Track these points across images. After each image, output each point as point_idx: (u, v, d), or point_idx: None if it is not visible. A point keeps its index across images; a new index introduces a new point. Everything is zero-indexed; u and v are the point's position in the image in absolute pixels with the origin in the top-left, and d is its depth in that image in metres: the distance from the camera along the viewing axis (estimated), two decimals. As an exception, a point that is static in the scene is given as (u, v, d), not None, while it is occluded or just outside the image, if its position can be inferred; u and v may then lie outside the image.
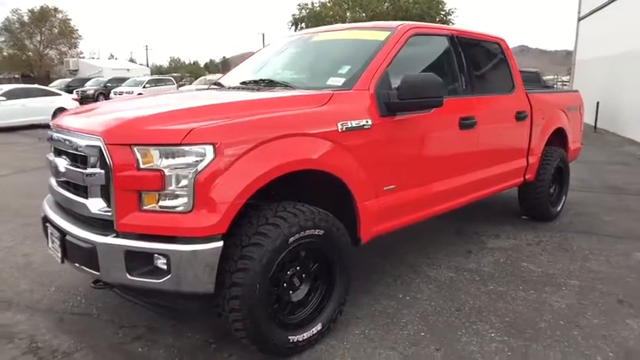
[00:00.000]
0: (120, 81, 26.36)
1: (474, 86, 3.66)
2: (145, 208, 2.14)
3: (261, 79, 3.15)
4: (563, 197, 5.14)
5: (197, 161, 2.09)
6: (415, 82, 2.76)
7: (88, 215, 2.29)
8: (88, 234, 2.22)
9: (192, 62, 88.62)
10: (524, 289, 3.31)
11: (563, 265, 3.74)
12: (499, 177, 4.04)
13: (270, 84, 3.06)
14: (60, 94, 15.02)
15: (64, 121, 2.69)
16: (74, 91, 20.90)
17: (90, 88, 25.60)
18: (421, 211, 3.26)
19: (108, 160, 2.14)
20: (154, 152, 2.10)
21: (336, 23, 29.76)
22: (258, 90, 2.95)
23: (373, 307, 3.03)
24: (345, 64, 3.01)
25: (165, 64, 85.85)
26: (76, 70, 43.06)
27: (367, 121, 2.72)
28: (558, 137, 4.92)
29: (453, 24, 29.31)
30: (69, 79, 30.28)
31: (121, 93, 24.27)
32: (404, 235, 3.89)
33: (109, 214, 2.19)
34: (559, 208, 5.05)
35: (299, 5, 30.42)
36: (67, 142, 2.47)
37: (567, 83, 18.73)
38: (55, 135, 2.68)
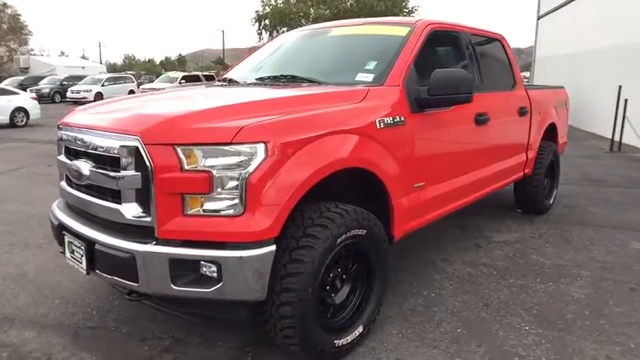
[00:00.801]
0: (76, 79, 25.18)
1: (483, 82, 3.70)
2: (189, 212, 2.00)
3: (282, 75, 3.04)
4: (555, 190, 5.31)
5: (248, 161, 1.97)
6: (445, 78, 2.73)
7: (120, 222, 2.12)
8: (125, 242, 2.05)
9: (147, 60, 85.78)
10: (542, 282, 3.37)
11: (570, 257, 3.84)
12: (505, 171, 4.11)
13: (293, 80, 2.95)
14: (18, 93, 14.11)
15: (80, 119, 2.49)
16: (28, 90, 19.70)
17: (45, 86, 24.29)
18: (444, 208, 3.26)
19: (148, 161, 1.98)
20: (200, 152, 1.97)
21: (301, 20, 29.64)
22: (286, 86, 2.83)
23: (402, 306, 2.99)
24: (371, 60, 2.95)
25: (120, 61, 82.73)
26: (27, 68, 40.74)
27: (401, 118, 2.68)
28: (550, 132, 5.07)
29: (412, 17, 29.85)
30: (21, 77, 28.59)
31: (78, 92, 23.23)
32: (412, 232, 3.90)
33: (148, 219, 2.04)
34: (551, 201, 5.21)
35: (262, 2, 30.08)
36: (88, 143, 2.28)
37: (527, 79, 19.53)
38: (69, 135, 2.48)
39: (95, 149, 2.22)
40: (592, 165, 8.09)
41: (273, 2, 29.83)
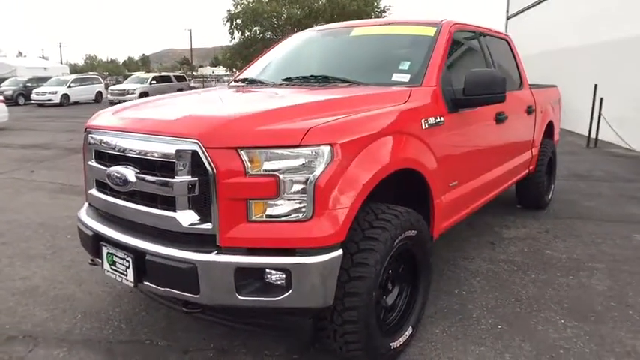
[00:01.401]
0: (40, 80, 24.13)
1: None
2: (253, 218, 1.93)
3: (312, 76, 2.99)
4: (552, 186, 5.47)
5: (315, 164, 1.92)
6: (480, 78, 2.76)
7: (175, 230, 2.03)
8: (183, 252, 1.96)
9: (110, 60, 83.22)
10: (563, 275, 3.47)
11: (582, 251, 3.97)
12: (516, 169, 4.21)
13: (326, 80, 2.91)
14: (-19, 96, 13.38)
15: (117, 122, 2.36)
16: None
17: (8, 88, 23.15)
18: (471, 206, 3.30)
19: (209, 166, 1.90)
20: (266, 156, 1.90)
21: (273, 19, 29.43)
22: (324, 87, 2.78)
23: (438, 305, 3.01)
24: (403, 60, 2.94)
25: (81, 62, 79.84)
26: (-16, 70, 38.67)
27: (441, 118, 2.69)
28: (548, 130, 5.22)
29: (386, 21, 30.15)
30: (-20, 79, 27.17)
31: (44, 93, 22.27)
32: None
33: (208, 227, 1.96)
34: (550, 197, 5.36)
35: (234, 1, 29.68)
36: (131, 148, 2.17)
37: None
38: (102, 139, 2.35)
39: (142, 154, 2.11)
40: (574, 161, 8.40)
41: (244, 1, 29.46)
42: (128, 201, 2.21)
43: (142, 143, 2.11)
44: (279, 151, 1.90)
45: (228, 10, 29.82)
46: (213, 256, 1.92)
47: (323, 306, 2.00)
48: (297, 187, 1.91)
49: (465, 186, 3.11)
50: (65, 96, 23.13)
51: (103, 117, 2.52)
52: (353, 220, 2.03)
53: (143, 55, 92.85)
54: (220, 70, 72.33)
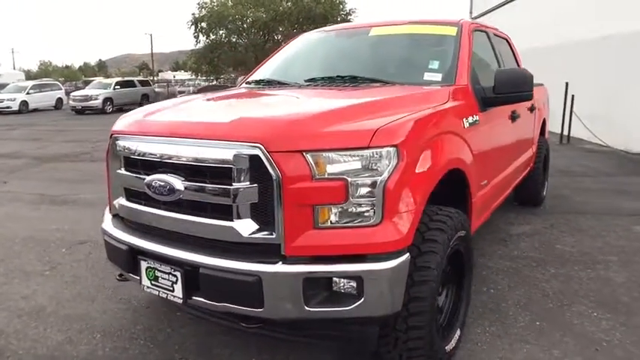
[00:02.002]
0: (-3, 87, 22.82)
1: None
2: (320, 225, 1.84)
3: (339, 76, 2.91)
4: (546, 183, 5.61)
5: (383, 166, 1.85)
6: (509, 76, 2.77)
7: (233, 241, 1.90)
8: (245, 264, 1.84)
9: (65, 66, 79.94)
10: (581, 269, 3.53)
11: (590, 244, 4.07)
12: (522, 166, 4.28)
13: (354, 80, 2.83)
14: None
15: (153, 126, 2.21)
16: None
17: (-38, 95, 21.77)
18: (494, 204, 3.31)
19: (273, 171, 1.79)
20: (333, 158, 1.82)
21: (238, 22, 29.07)
22: (357, 87, 2.70)
23: (471, 304, 2.98)
24: (431, 59, 2.91)
25: (35, 68, 76.29)
26: None
27: (477, 117, 2.67)
28: (542, 127, 5.35)
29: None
30: None
31: (1, 100, 21.13)
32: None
33: (271, 236, 1.85)
34: (544, 193, 5.49)
35: (198, 4, 29.16)
36: (176, 154, 2.02)
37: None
38: (137, 145, 2.19)
39: (192, 161, 1.97)
40: (552, 157, 8.64)
41: (209, 5, 28.97)
42: (172, 211, 2.06)
43: (191, 149, 1.97)
44: (346, 153, 1.82)
45: (193, 14, 29.29)
46: (280, 267, 1.81)
47: (391, 313, 1.92)
48: (365, 191, 1.83)
49: (491, 184, 3.12)
50: (24, 103, 21.99)
51: (133, 122, 2.35)
52: (418, 223, 1.97)
53: (100, 60, 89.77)
54: (182, 75, 70.87)
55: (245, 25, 29.73)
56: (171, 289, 2.04)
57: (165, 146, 2.06)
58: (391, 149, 1.86)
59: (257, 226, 1.87)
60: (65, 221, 5.01)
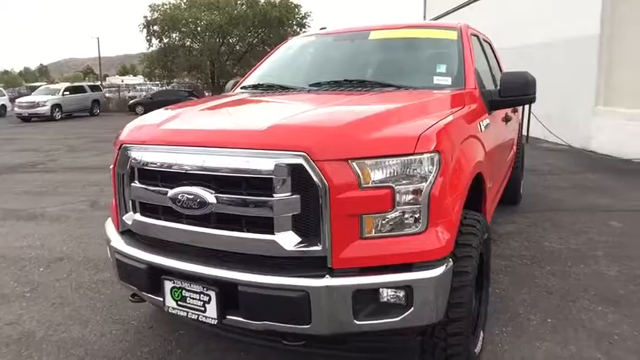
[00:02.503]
0: None
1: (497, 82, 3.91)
2: (366, 235, 1.78)
3: (346, 80, 2.86)
4: (522, 181, 5.81)
5: (427, 172, 1.82)
6: (515, 80, 2.82)
7: (274, 255, 1.81)
8: (291, 279, 1.75)
9: (4, 71, 75.14)
10: (574, 265, 3.67)
11: (575, 240, 4.24)
12: (510, 166, 4.41)
13: (362, 84, 2.79)
14: None
15: (173, 135, 2.07)
16: None
17: None
18: (494, 206, 3.37)
19: (319, 180, 1.72)
20: (378, 165, 1.77)
21: (192, 25, 28.34)
22: (369, 91, 2.65)
23: (482, 306, 3.03)
24: (437, 63, 2.93)
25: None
26: None
27: (487, 120, 2.71)
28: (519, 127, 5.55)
29: (309, 27, 30.53)
30: None
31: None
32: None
33: (316, 249, 1.77)
34: (522, 191, 5.70)
35: (150, 7, 28.23)
36: (203, 164, 1.90)
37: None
38: (154, 156, 2.05)
39: (225, 171, 1.86)
40: (517, 156, 9.03)
41: (162, 7, 28.11)
42: (201, 226, 1.94)
43: (223, 159, 1.86)
44: (392, 161, 1.78)
45: (145, 17, 28.33)
46: (328, 281, 1.73)
47: (435, 321, 1.89)
48: (411, 198, 1.80)
49: (494, 186, 3.18)
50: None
51: (147, 131, 2.20)
52: (458, 228, 1.96)
53: (41, 64, 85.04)
54: (132, 79, 68.41)
55: (199, 29, 29.08)
56: (203, 309, 1.92)
57: (192, 156, 1.94)
58: (434, 155, 1.84)
59: (299, 239, 1.79)
60: (36, 237, 4.66)
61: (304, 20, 30.69)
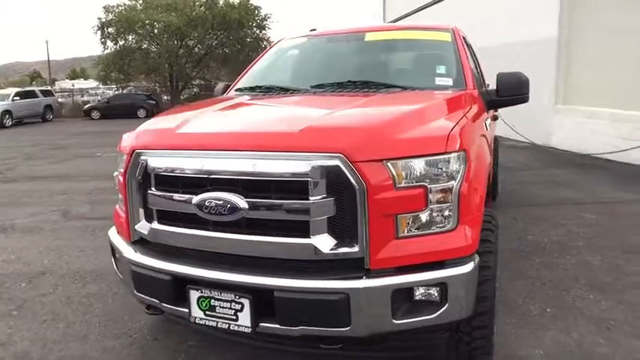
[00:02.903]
0: None
1: (483, 82, 4.05)
2: (401, 235, 1.81)
3: (349, 81, 2.87)
4: (498, 177, 6.03)
5: (456, 170, 1.86)
6: (511, 80, 2.90)
7: (311, 259, 1.80)
8: (330, 282, 1.75)
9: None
10: (560, 256, 3.85)
11: (557, 232, 4.45)
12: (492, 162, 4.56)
13: (366, 85, 2.81)
14: None
15: (194, 139, 2.02)
16: None
17: None
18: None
19: (356, 182, 1.73)
20: (411, 165, 1.79)
21: (149, 27, 27.51)
22: (375, 93, 2.66)
23: (484, 299, 3.12)
24: (437, 65, 2.99)
25: None
26: None
27: (489, 119, 2.80)
28: (493, 127, 5.75)
29: (269, 29, 30.39)
30: None
31: None
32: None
33: (355, 250, 1.78)
34: (499, 187, 5.91)
35: (104, 8, 27.18)
36: (232, 169, 1.87)
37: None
38: (173, 161, 1.99)
39: (256, 175, 1.82)
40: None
41: (117, 9, 27.13)
42: (230, 232, 1.90)
43: (254, 162, 1.83)
44: (424, 160, 1.81)
45: (99, 18, 27.24)
46: (368, 282, 1.75)
47: (466, 316, 1.94)
48: (442, 197, 1.84)
49: (488, 183, 3.28)
50: None
51: (164, 135, 2.13)
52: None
53: (-17, 67, 79.98)
54: (83, 83, 65.67)
55: (156, 31, 28.28)
56: (235, 318, 1.88)
57: (219, 161, 1.90)
58: (461, 153, 1.88)
59: (335, 241, 1.79)
60: (10, 251, 4.39)
61: (264, 22, 30.51)
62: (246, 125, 2.15)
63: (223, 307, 1.90)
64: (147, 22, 27.08)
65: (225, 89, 3.54)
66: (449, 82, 2.84)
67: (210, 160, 1.92)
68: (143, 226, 2.15)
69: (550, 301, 3.08)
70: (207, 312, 1.93)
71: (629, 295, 3.13)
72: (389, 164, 1.77)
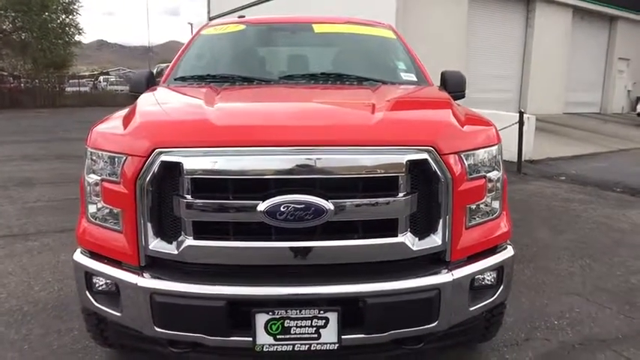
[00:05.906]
0: None
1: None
2: (468, 224, 1.87)
3: (323, 73, 2.75)
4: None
5: (499, 162, 2.00)
6: (454, 77, 3.02)
7: (399, 258, 1.72)
8: (423, 280, 1.72)
9: None
10: (552, 261, 3.92)
11: (540, 238, 4.53)
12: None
13: (339, 77, 2.72)
14: None
15: (256, 134, 1.74)
16: None
17: None
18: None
19: (443, 174, 1.72)
20: (475, 157, 1.87)
21: None
22: (359, 85, 2.62)
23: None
24: (396, 60, 3.06)
25: None
26: None
27: (451, 114, 3.03)
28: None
29: (78, 14, 26.38)
30: None
31: None
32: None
33: (437, 244, 1.77)
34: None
35: None
36: (309, 166, 1.64)
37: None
38: (224, 162, 1.65)
39: (342, 172, 1.65)
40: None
41: None
42: (305, 239, 1.65)
43: (333, 158, 1.64)
44: (484, 151, 1.90)
45: None
46: (454, 274, 1.76)
47: (508, 296, 2.09)
48: (493, 186, 1.96)
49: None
50: None
51: (198, 128, 1.72)
52: None
53: None
54: None
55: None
56: (316, 336, 1.66)
57: (286, 158, 1.64)
58: (500, 145, 2.04)
59: (416, 237, 1.75)
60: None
61: (71, 7, 26.12)
62: (304, 117, 1.89)
63: (301, 327, 1.66)
64: None
65: (151, 77, 2.95)
66: (412, 77, 2.92)
67: (274, 158, 1.65)
68: (163, 246, 1.70)
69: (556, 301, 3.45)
70: (278, 336, 1.66)
71: (605, 267, 3.70)
72: (463, 156, 1.81)
